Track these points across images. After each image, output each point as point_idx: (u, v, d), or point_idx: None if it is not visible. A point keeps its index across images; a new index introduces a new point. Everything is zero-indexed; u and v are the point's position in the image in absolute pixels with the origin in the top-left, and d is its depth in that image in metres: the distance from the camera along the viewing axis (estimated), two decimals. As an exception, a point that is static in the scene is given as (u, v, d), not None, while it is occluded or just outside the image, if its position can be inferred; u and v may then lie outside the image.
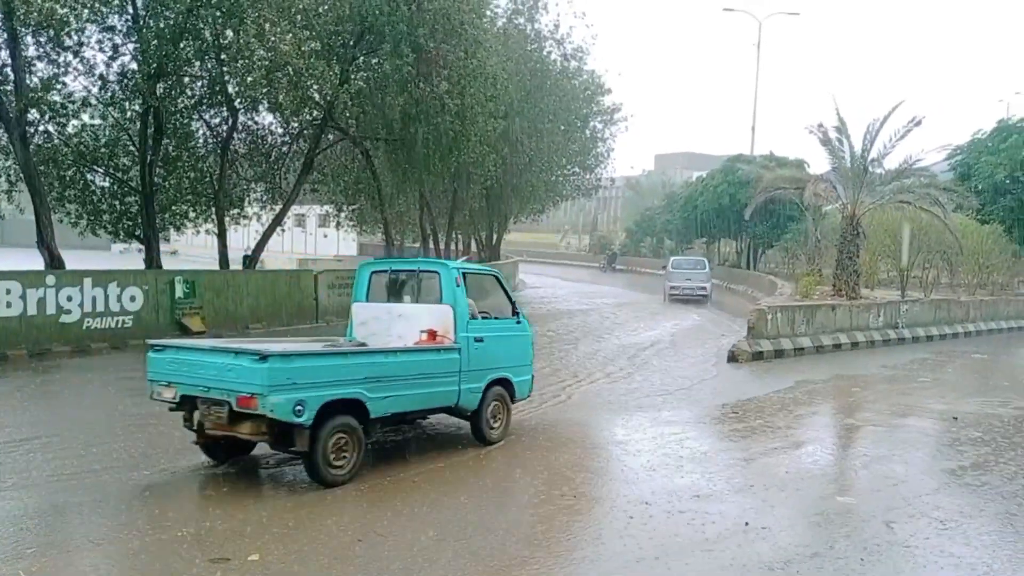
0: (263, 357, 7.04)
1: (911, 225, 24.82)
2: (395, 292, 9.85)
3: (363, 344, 9.14)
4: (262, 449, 8.03)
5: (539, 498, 7.54)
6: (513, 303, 10.29)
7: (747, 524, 6.95)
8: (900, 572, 6.19)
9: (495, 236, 39.29)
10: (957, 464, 9.51)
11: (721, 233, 49.84)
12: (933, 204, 23.87)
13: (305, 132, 22.39)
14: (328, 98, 19.29)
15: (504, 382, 9.68)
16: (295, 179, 22.44)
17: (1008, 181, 31.80)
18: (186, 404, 7.71)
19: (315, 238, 50.52)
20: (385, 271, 10.00)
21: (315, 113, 21.22)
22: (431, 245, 31.72)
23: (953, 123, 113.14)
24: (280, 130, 22.82)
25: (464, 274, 9.54)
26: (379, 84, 20.96)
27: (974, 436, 10.92)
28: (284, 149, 23.05)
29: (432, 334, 9.03)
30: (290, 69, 17.19)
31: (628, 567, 6.02)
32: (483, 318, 9.56)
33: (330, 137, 23.54)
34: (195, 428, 7.80)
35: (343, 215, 29.06)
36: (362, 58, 21.44)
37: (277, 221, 22.18)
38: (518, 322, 10.16)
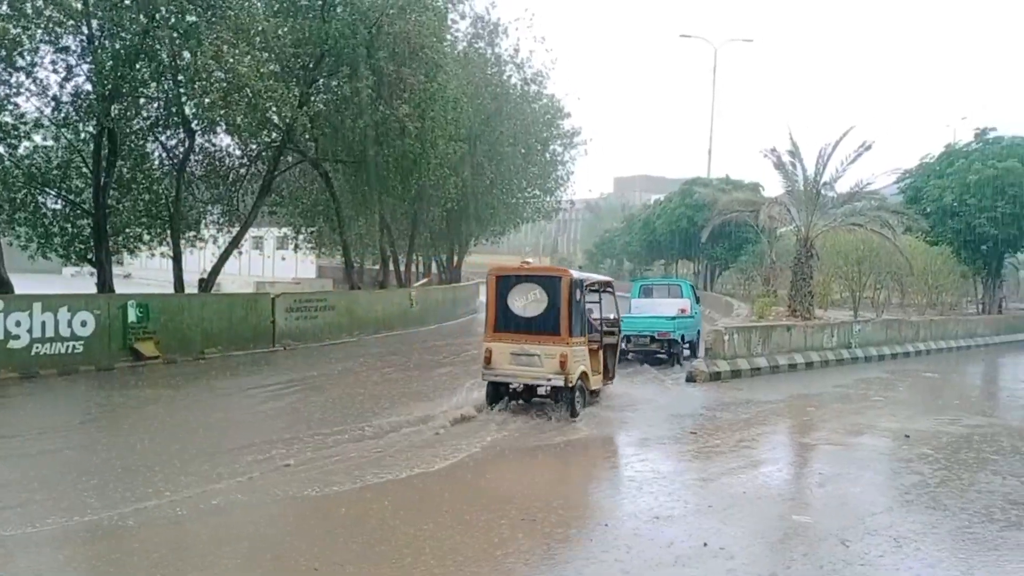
0: (672, 319, 19.02)
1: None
2: (652, 294, 21.53)
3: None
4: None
5: (500, 521, 7.51)
6: (698, 298, 22.16)
7: (706, 545, 7.00)
8: (855, 590, 6.28)
9: (456, 258, 39.27)
10: (910, 482, 9.69)
11: (679, 255, 50.54)
12: (883, 226, 24.47)
13: (263, 154, 22.24)
14: (287, 120, 19.19)
15: (698, 332, 20.88)
16: (253, 201, 22.23)
17: (955, 204, 32.70)
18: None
19: (273, 261, 49.98)
20: (647, 284, 22.94)
21: (274, 135, 21.09)
22: (391, 267, 31.57)
23: (903, 147, 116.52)
24: (238, 152, 22.63)
25: (692, 287, 22.48)
26: (339, 106, 20.92)
27: (926, 454, 11.14)
28: (242, 171, 22.84)
29: (683, 310, 19.97)
30: (248, 91, 17.05)
31: (588, 590, 6.02)
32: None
33: (289, 159, 23.41)
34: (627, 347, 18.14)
35: (301, 237, 28.80)
36: (321, 80, 21.39)
37: (234, 244, 21.93)
38: (698, 306, 21.91)
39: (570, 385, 12.02)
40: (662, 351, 19.04)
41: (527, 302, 12.26)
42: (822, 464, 10.76)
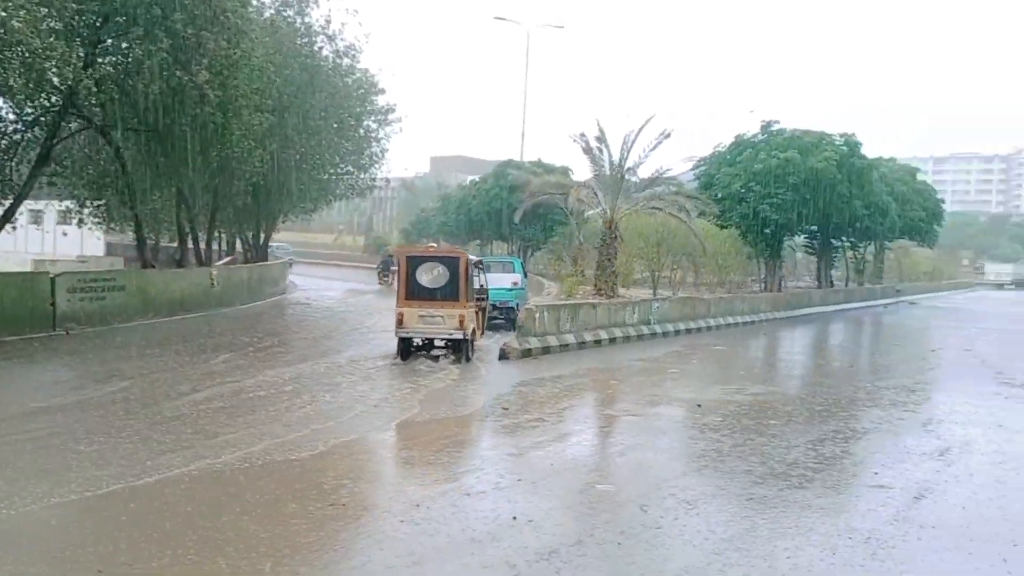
0: (510, 290, 22.87)
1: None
2: (491, 269, 21.67)
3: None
4: None
5: (307, 508, 7.26)
6: (526, 273, 27.22)
7: (515, 518, 7.14)
8: (653, 551, 6.64)
9: (263, 236, 37.64)
10: (701, 448, 10.40)
11: (494, 235, 51.28)
12: (680, 210, 26.03)
13: (42, 119, 20.09)
14: (69, 82, 17.40)
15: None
16: (29, 171, 20.08)
17: (743, 190, 35.27)
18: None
19: (54, 237, 45.47)
20: (486, 261, 21.91)
21: (53, 99, 19.09)
22: (190, 245, 29.68)
23: (701, 137, 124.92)
24: (11, 116, 20.29)
25: (522, 263, 29.23)
26: (130, 70, 19.28)
27: (715, 421, 11.99)
28: (16, 137, 20.53)
29: (516, 283, 23.55)
30: (23, 48, 15.32)
31: (393, 572, 5.96)
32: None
33: (72, 126, 21.31)
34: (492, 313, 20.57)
35: (87, 212, 26.33)
36: (110, 41, 19.61)
37: (6, 218, 19.73)
38: (527, 279, 26.87)
39: (466, 338, 15.91)
40: (501, 317, 22.13)
41: (432, 276, 15.88)
42: (623, 434, 11.31)
